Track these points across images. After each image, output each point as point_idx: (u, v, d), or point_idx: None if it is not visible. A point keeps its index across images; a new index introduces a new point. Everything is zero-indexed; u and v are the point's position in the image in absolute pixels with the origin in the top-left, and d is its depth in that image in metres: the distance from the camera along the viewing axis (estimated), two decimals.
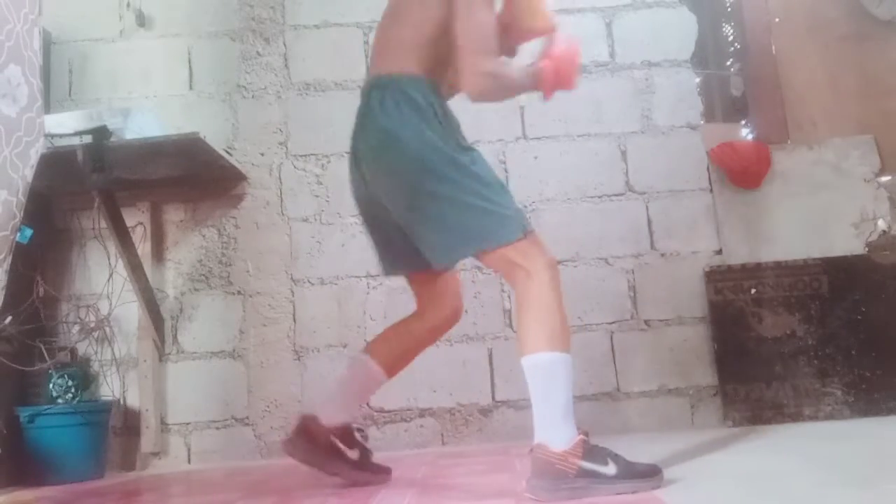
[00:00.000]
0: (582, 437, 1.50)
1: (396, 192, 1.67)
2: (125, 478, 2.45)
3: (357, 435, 1.87)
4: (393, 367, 1.90)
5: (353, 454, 1.82)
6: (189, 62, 2.84)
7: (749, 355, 2.55)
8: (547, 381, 1.54)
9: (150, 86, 2.82)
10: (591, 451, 1.48)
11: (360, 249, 2.67)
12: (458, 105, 2.74)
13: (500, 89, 1.69)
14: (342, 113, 2.75)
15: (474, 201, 1.58)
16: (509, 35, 1.77)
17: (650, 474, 1.51)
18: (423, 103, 1.65)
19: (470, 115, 2.74)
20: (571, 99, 2.77)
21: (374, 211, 1.78)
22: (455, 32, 1.63)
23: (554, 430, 1.50)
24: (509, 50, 1.81)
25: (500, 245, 1.58)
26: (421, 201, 1.62)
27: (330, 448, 1.80)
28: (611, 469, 1.47)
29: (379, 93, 1.69)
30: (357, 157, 1.75)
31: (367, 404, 2.59)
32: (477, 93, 1.64)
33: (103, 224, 2.48)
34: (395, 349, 1.89)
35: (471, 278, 2.65)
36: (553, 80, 1.69)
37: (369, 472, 1.86)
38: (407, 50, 1.71)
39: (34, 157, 1.89)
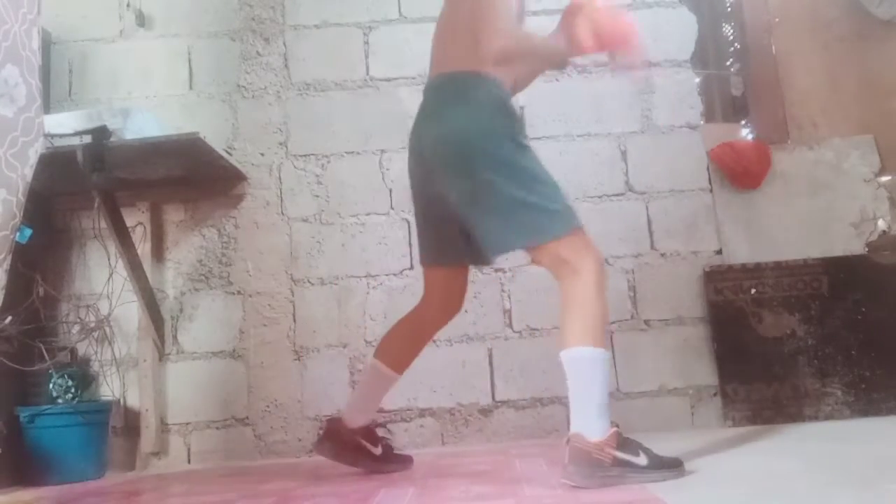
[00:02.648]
0: (616, 429, 1.58)
1: (458, 185, 1.72)
2: (125, 478, 2.45)
3: (380, 432, 2.06)
4: (401, 364, 2.01)
5: (377, 450, 2.00)
6: (189, 62, 2.84)
7: (749, 355, 2.55)
8: (585, 376, 1.61)
9: (150, 86, 2.82)
10: (624, 442, 1.57)
11: (360, 249, 2.68)
12: None
13: (522, 51, 1.74)
14: (342, 113, 2.77)
15: (527, 196, 1.64)
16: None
17: (675, 465, 1.61)
18: (485, 101, 1.71)
19: None
20: (571, 99, 2.79)
21: (432, 202, 1.85)
22: (479, 5, 1.70)
23: (590, 422, 1.57)
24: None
25: (549, 240, 1.64)
26: (479, 195, 1.67)
27: (356, 447, 1.97)
28: (642, 459, 1.57)
29: (445, 90, 1.77)
30: (422, 150, 1.80)
31: None
32: (500, 50, 1.67)
33: (103, 224, 2.48)
34: (401, 348, 2.01)
35: (471, 278, 2.64)
36: (589, 40, 1.73)
37: (394, 463, 2.04)
38: (468, 47, 1.74)
39: (33, 156, 1.89)
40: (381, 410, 2.59)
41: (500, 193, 1.65)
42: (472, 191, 1.69)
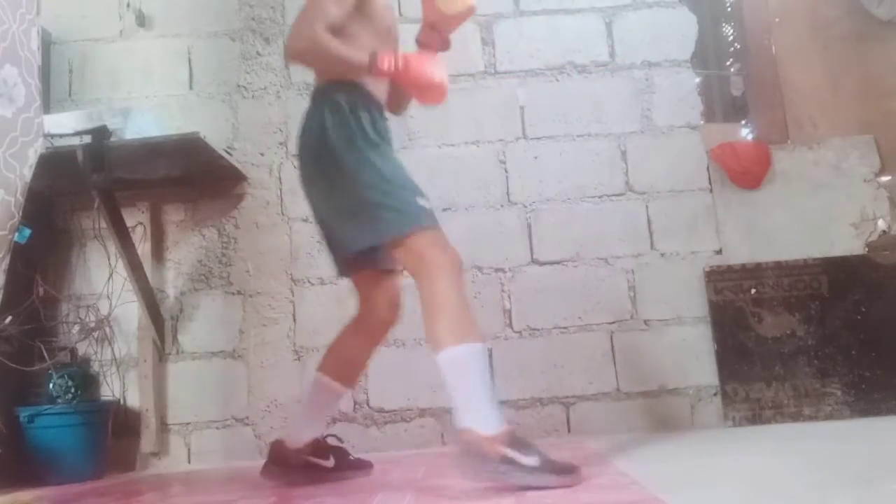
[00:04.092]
0: (509, 427, 1.56)
1: (310, 190, 1.81)
2: (125, 478, 2.45)
3: (330, 441, 1.98)
4: (348, 377, 1.95)
5: (328, 462, 1.94)
6: (189, 62, 2.84)
7: (749, 355, 2.55)
8: (465, 374, 1.59)
9: (150, 86, 2.82)
10: (515, 441, 1.54)
11: None
12: (458, 104, 2.76)
13: (318, 55, 1.74)
14: None
15: (370, 195, 1.68)
16: (438, 27, 1.82)
17: (568, 471, 1.56)
18: (327, 107, 1.77)
19: (470, 114, 2.78)
20: (571, 99, 2.79)
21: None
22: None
23: (479, 416, 1.55)
24: (443, 43, 1.85)
25: (390, 237, 1.67)
26: (329, 197, 1.75)
27: (305, 465, 1.91)
28: (532, 460, 1.53)
29: (311, 105, 1.85)
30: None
31: (368, 404, 2.59)
32: (293, 51, 1.75)
33: (103, 224, 2.48)
34: (345, 360, 1.94)
35: (471, 278, 2.65)
36: (393, 69, 1.73)
37: (349, 470, 1.97)
38: None
39: (33, 157, 1.89)
40: (381, 410, 2.59)
41: (342, 194, 1.71)
42: (319, 194, 1.77)
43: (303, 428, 1.93)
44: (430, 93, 1.79)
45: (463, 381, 1.58)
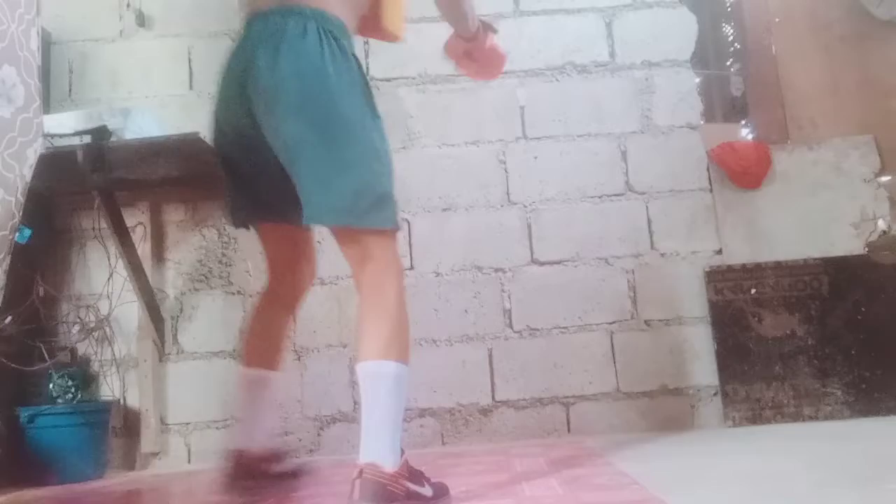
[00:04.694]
0: (405, 457, 1.44)
1: (294, 132, 1.46)
2: (125, 478, 2.45)
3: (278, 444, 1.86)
4: (273, 360, 1.76)
5: (284, 467, 1.81)
6: (189, 62, 2.84)
7: (749, 355, 2.55)
8: (386, 395, 1.42)
9: (150, 86, 2.82)
10: (413, 473, 1.45)
11: None
12: (458, 104, 2.76)
13: None
14: None
15: (359, 169, 1.46)
16: (365, 27, 1.67)
17: (445, 492, 1.53)
18: (349, 52, 1.51)
19: (470, 114, 2.78)
20: (571, 99, 2.79)
21: (249, 148, 1.56)
22: None
23: (386, 451, 1.39)
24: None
25: (367, 226, 1.47)
26: (318, 150, 1.44)
27: (267, 475, 1.75)
28: (427, 491, 1.47)
29: (301, 21, 1.47)
30: (252, 84, 1.48)
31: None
32: None
33: (103, 224, 2.48)
34: (265, 345, 1.75)
35: (471, 278, 2.65)
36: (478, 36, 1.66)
37: (304, 474, 1.85)
38: None
39: (32, 157, 1.89)
40: None
41: (332, 157, 1.43)
42: (303, 139, 1.44)
43: (254, 432, 1.72)
44: (494, 68, 1.77)
45: (383, 400, 1.41)
